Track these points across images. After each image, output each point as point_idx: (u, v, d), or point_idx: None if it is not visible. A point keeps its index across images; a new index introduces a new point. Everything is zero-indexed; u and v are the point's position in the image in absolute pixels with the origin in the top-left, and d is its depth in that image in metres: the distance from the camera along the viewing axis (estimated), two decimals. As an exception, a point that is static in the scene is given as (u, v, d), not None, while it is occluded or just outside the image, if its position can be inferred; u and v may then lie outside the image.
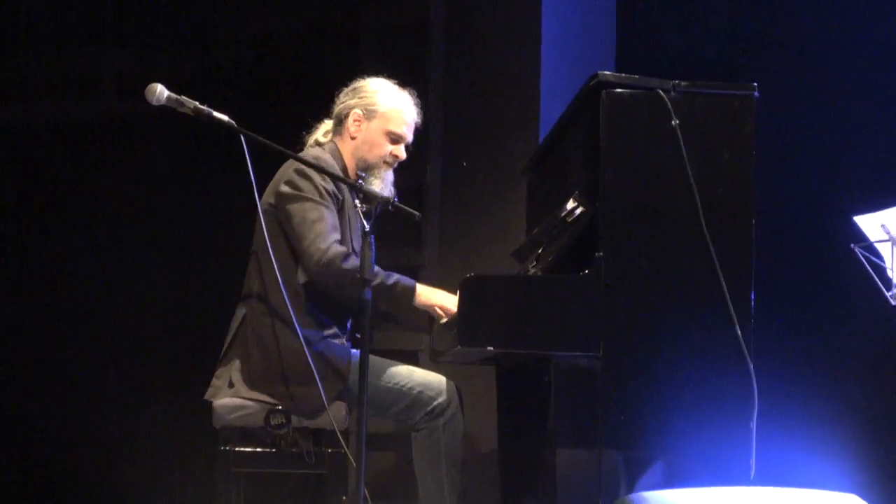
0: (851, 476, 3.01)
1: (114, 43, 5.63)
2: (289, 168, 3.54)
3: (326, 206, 3.51)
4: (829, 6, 6.17)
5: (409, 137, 3.79)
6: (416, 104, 3.83)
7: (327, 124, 3.77)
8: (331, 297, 3.59)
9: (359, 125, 3.69)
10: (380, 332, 3.73)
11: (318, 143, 3.71)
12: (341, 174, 3.55)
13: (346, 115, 3.70)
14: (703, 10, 6.36)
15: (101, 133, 5.44)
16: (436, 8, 5.60)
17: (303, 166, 3.49)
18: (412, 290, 3.54)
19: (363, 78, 3.78)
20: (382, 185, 3.66)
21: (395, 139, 3.72)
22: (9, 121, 5.51)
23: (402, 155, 3.76)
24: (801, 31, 6.25)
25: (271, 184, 3.57)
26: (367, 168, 3.69)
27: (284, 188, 3.51)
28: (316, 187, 3.49)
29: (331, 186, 3.48)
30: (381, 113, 3.70)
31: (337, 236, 3.50)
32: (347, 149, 3.69)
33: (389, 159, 3.71)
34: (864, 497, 2.72)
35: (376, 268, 3.41)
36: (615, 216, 3.46)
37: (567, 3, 5.80)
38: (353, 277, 3.21)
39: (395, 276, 3.55)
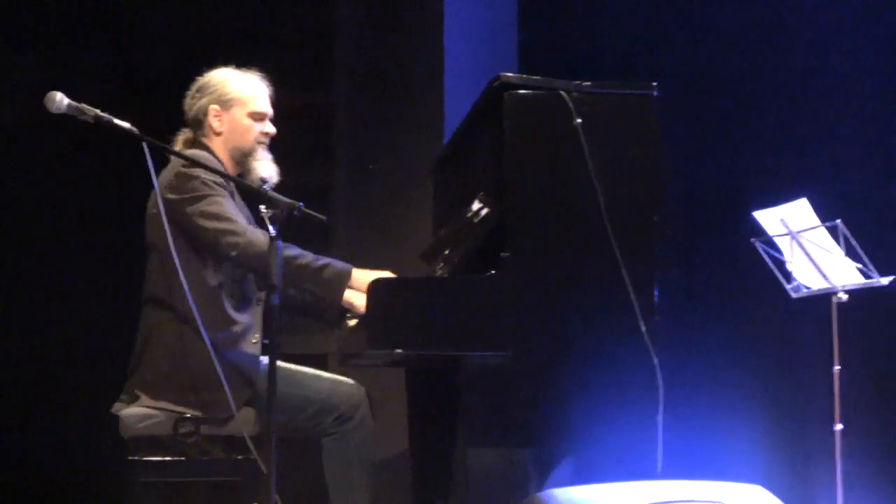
0: (757, 467, 3.06)
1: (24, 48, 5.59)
2: (170, 173, 3.55)
3: (220, 195, 3.53)
4: (726, 4, 6.34)
5: (270, 111, 3.80)
6: (262, 77, 3.83)
7: (185, 132, 3.76)
8: (239, 292, 3.61)
9: (220, 118, 3.68)
10: (288, 336, 3.73)
11: (176, 152, 3.68)
12: (228, 172, 3.59)
13: (205, 115, 3.70)
14: (604, 9, 6.49)
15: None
16: (340, 11, 5.65)
17: (182, 169, 3.53)
18: (347, 273, 3.56)
19: (202, 76, 3.79)
20: (266, 164, 3.71)
21: (258, 118, 3.73)
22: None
23: (272, 129, 3.78)
24: (700, 29, 6.42)
25: (163, 185, 3.51)
26: (245, 155, 3.71)
27: (171, 195, 3.49)
28: (203, 182, 3.50)
29: (217, 178, 3.51)
30: (237, 98, 3.70)
31: (243, 220, 3.52)
32: (218, 145, 3.69)
33: (262, 138, 3.73)
34: (768, 487, 2.85)
35: (298, 250, 3.54)
36: (520, 216, 3.53)
37: (469, 5, 5.90)
38: (281, 259, 3.16)
39: (327, 259, 3.58)
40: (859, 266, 4.47)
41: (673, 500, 2.74)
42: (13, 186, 5.43)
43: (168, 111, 3.75)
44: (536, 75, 3.86)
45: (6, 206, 5.42)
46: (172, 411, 3.44)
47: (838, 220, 4.42)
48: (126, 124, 3.04)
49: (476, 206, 3.64)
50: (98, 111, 3.01)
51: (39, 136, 4.71)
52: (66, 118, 3.02)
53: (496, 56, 6.17)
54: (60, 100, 2.94)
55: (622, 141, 3.65)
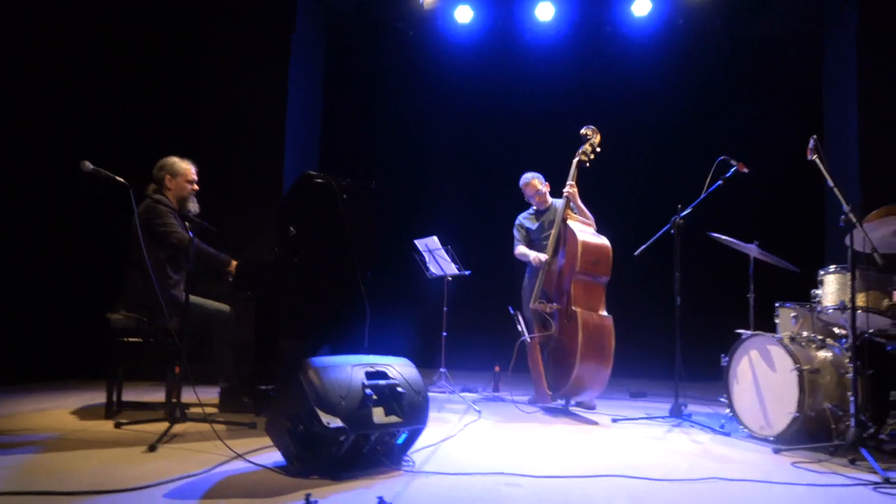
0: (406, 354, 2.93)
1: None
2: (145, 205, 3.54)
3: (171, 217, 3.57)
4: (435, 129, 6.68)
5: (196, 178, 3.77)
6: (190, 162, 3.78)
7: (153, 185, 3.70)
8: (174, 265, 3.62)
9: (171, 182, 3.71)
10: (196, 285, 3.57)
11: (150, 195, 3.57)
12: (177, 209, 3.63)
13: (162, 179, 3.70)
14: (363, 135, 6.65)
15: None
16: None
17: (152, 203, 3.53)
18: (229, 260, 3.67)
19: (161, 160, 3.72)
20: (193, 203, 3.74)
21: (190, 181, 3.75)
22: None
23: (196, 187, 3.77)
24: (398, 149, 6.69)
25: (141, 211, 3.50)
26: (183, 199, 3.72)
27: (146, 216, 3.52)
28: (162, 210, 3.54)
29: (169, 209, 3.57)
30: (180, 171, 3.72)
31: (180, 227, 3.57)
32: (170, 195, 3.70)
33: (191, 191, 3.75)
34: (411, 360, 2.86)
35: (211, 249, 3.64)
36: (310, 238, 3.71)
37: (296, 128, 5.88)
38: (197, 249, 3.32)
39: (223, 254, 3.68)
40: (457, 265, 4.99)
41: (368, 362, 2.66)
42: (72, 209, 5.15)
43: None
44: (329, 169, 4.01)
45: (72, 217, 5.18)
46: (137, 317, 3.51)
47: (448, 246, 4.94)
48: (122, 179, 2.96)
49: (291, 230, 3.82)
50: (108, 172, 2.91)
51: (77, 185, 4.14)
52: (91, 175, 2.87)
53: (309, 156, 6.26)
54: (87, 165, 2.85)
55: (359, 208, 3.81)
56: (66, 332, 4.71)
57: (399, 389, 2.61)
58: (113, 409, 3.55)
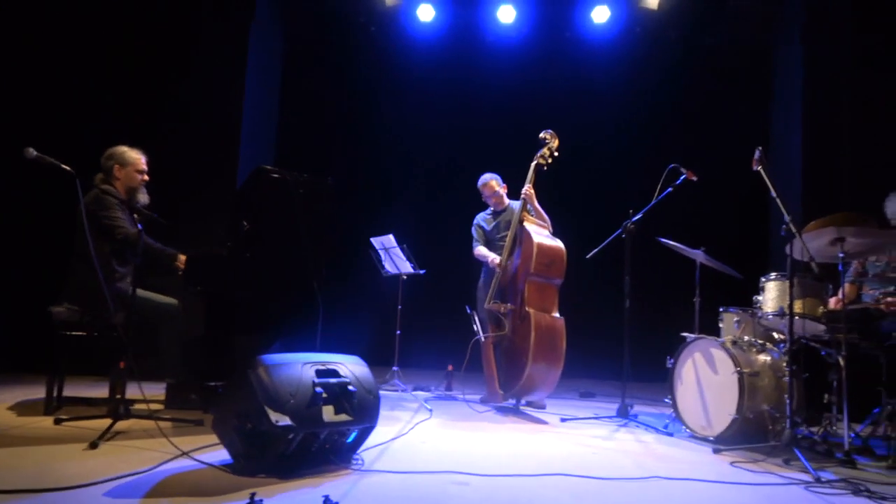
0: (358, 352, 3.01)
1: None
2: (92, 195, 3.48)
3: (118, 209, 3.51)
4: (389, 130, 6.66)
5: (146, 168, 3.69)
6: (141, 151, 3.70)
7: (101, 175, 3.62)
8: (120, 258, 3.55)
9: (120, 172, 3.63)
10: (146, 279, 3.56)
11: (97, 185, 3.55)
12: (126, 200, 3.55)
13: (111, 169, 3.63)
14: (321, 134, 6.64)
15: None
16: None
17: (100, 194, 3.46)
18: (176, 254, 3.65)
19: (110, 149, 3.65)
20: (143, 195, 3.67)
21: (140, 171, 3.67)
22: None
23: (146, 178, 3.70)
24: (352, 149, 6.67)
25: (87, 201, 3.41)
26: (133, 190, 3.64)
27: (93, 207, 3.45)
28: (110, 202, 3.49)
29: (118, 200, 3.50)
30: (130, 161, 3.65)
31: (128, 221, 3.51)
32: (119, 185, 3.63)
33: (141, 181, 3.68)
34: (364, 358, 2.84)
35: (158, 244, 3.60)
36: (265, 231, 3.73)
37: (252, 121, 5.81)
38: (144, 244, 3.28)
39: (170, 249, 3.64)
40: (412, 264, 5.03)
41: (319, 360, 2.63)
42: (15, 198, 5.02)
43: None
44: (286, 164, 3.91)
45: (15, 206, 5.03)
46: (80, 310, 3.43)
47: (404, 245, 4.99)
48: (67, 167, 2.88)
49: (245, 225, 3.78)
50: (52, 159, 2.85)
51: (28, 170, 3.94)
52: (35, 162, 2.81)
53: (265, 148, 6.21)
54: (31, 152, 2.79)
55: (315, 204, 3.80)
56: (5, 324, 4.57)
57: (350, 388, 2.59)
58: (53, 405, 3.45)
